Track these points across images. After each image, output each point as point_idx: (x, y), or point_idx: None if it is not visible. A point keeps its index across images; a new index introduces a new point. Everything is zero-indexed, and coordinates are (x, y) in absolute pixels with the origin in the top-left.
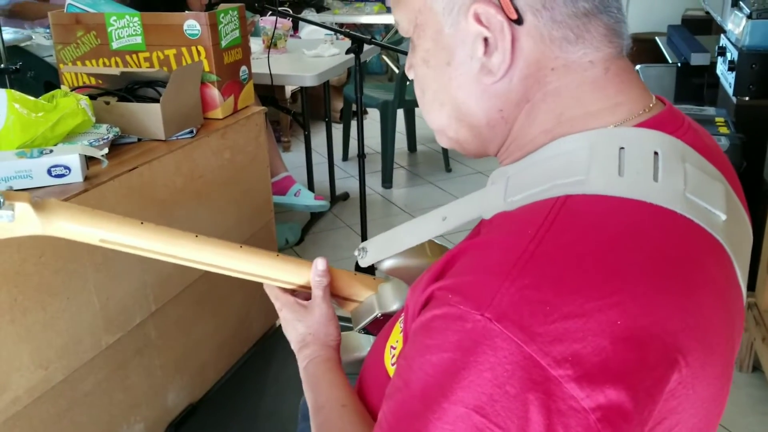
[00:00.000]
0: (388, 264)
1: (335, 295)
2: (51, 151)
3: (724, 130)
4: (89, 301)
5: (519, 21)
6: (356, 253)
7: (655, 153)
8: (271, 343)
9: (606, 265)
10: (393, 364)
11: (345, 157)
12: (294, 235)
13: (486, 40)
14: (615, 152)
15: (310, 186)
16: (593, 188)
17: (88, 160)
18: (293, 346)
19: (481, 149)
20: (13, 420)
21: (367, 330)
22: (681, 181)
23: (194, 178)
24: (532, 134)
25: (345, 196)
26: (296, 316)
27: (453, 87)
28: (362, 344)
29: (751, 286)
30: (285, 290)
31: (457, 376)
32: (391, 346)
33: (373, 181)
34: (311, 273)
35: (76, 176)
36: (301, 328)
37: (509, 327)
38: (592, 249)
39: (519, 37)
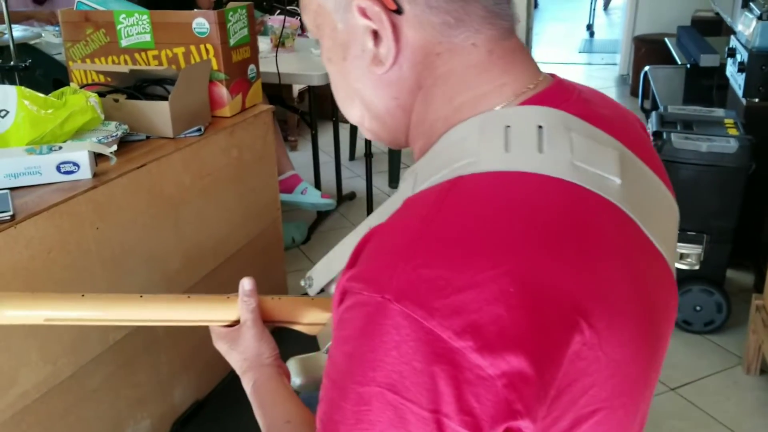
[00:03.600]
0: (332, 290)
1: (297, 323)
2: (60, 147)
3: (733, 131)
4: None
5: (399, 11)
6: (302, 283)
7: (540, 127)
8: (277, 340)
9: (494, 236)
10: None
11: (352, 157)
12: (301, 234)
13: (375, 32)
14: (501, 131)
15: (317, 185)
16: (482, 167)
17: (97, 157)
18: (237, 373)
19: (393, 139)
20: (21, 414)
21: None
22: (567, 150)
23: (202, 176)
24: (429, 120)
25: (352, 196)
26: (229, 345)
27: (353, 80)
28: None
29: (760, 288)
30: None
31: (365, 358)
32: None
33: (380, 181)
34: (239, 294)
35: (85, 173)
36: (236, 356)
37: (408, 305)
38: (479, 222)
39: (401, 26)
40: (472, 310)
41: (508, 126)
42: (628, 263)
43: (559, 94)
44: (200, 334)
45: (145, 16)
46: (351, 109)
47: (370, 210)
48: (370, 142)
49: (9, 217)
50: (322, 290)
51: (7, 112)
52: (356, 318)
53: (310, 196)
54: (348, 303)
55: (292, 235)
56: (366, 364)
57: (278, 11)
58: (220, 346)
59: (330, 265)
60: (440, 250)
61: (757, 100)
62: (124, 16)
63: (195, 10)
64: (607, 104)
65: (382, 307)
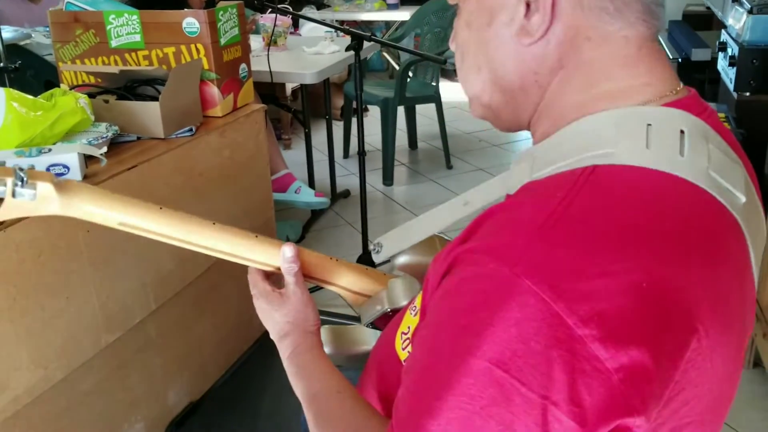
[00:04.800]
0: (402, 260)
1: (345, 288)
2: (50, 150)
3: (725, 125)
4: (89, 301)
5: None
6: (371, 248)
7: (681, 131)
8: (271, 342)
9: (633, 229)
10: (404, 349)
11: (346, 155)
12: (295, 233)
13: (528, 4)
14: (643, 128)
15: (311, 183)
16: (621, 159)
17: (87, 159)
18: (272, 336)
19: (513, 117)
20: (12, 419)
21: (373, 325)
22: (705, 159)
23: (194, 176)
24: (562, 105)
25: (346, 194)
26: (271, 305)
27: (491, 48)
28: (368, 338)
29: None
30: (264, 278)
31: (483, 331)
32: (402, 332)
33: (374, 179)
34: (280, 261)
35: (75, 175)
36: (278, 317)
37: (538, 283)
38: (620, 213)
39: (559, 0)
40: (601, 298)
41: (650, 124)
42: (741, 279)
43: (698, 105)
44: (194, 336)
45: (134, 17)
46: (474, 79)
47: (364, 207)
48: (363, 139)
49: None
50: (386, 261)
51: None
52: (477, 290)
53: (304, 195)
54: (465, 274)
55: (287, 233)
56: (480, 336)
57: (270, 9)
58: (260, 304)
59: (406, 235)
60: (577, 233)
61: (748, 94)
62: (113, 16)
63: (186, 9)
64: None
65: (509, 282)
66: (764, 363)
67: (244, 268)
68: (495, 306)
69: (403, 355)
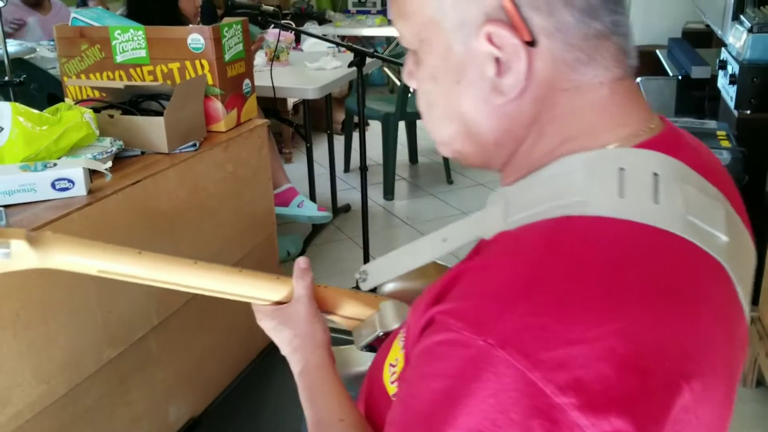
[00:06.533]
0: (389, 288)
1: (336, 314)
2: (55, 164)
3: (725, 143)
4: (91, 315)
5: (532, 43)
6: (357, 276)
7: (655, 174)
8: (273, 357)
9: (607, 291)
10: (392, 383)
11: (347, 169)
12: (296, 247)
13: (497, 60)
14: (615, 173)
15: (312, 198)
16: (594, 210)
17: (92, 174)
18: (283, 353)
19: (484, 164)
20: None
21: (369, 346)
22: (681, 203)
23: (197, 191)
24: (537, 154)
25: (347, 208)
26: (277, 321)
27: (462, 105)
28: (363, 359)
29: (755, 300)
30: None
31: (459, 402)
32: (390, 364)
33: (375, 193)
34: (294, 271)
35: (80, 190)
36: (286, 333)
37: (512, 353)
38: (592, 274)
39: (532, 59)
40: (578, 366)
41: (622, 168)
42: (725, 323)
43: (673, 141)
44: (195, 351)
45: (140, 32)
46: (444, 129)
47: (365, 222)
48: (365, 154)
49: None
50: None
51: (2, 129)
52: (451, 357)
53: (307, 209)
54: (441, 337)
55: (287, 248)
56: (457, 406)
57: (273, 25)
58: (266, 323)
59: (391, 266)
60: (550, 299)
61: (748, 111)
62: (119, 32)
63: (180, 18)
64: (705, 149)
65: (484, 352)
66: (767, 382)
67: None
68: (471, 376)
69: (391, 389)
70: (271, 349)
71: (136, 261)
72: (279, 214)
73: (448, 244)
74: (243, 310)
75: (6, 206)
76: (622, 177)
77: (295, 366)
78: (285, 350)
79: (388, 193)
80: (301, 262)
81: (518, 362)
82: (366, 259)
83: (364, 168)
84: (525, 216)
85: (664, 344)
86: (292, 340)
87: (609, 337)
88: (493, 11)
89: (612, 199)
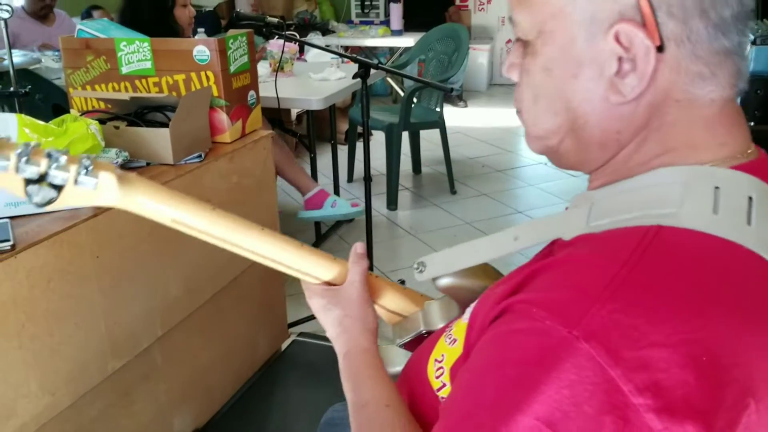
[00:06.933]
0: (444, 282)
1: (380, 305)
2: None
3: None
4: (96, 327)
5: (661, 48)
6: (414, 266)
7: (750, 198)
8: (277, 368)
9: (696, 300)
10: (437, 378)
11: (350, 179)
12: None
13: (620, 59)
14: (710, 190)
15: None
16: (686, 222)
17: None
18: (329, 334)
19: (577, 164)
20: None
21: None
22: None
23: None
24: (633, 161)
25: (350, 219)
26: (328, 301)
27: (575, 100)
28: (398, 358)
29: None
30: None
31: (533, 389)
32: (436, 359)
33: (378, 203)
34: (350, 255)
35: None
36: (336, 313)
37: (596, 348)
38: (683, 282)
39: (658, 64)
40: (659, 369)
41: (718, 187)
42: None
43: (767, 168)
44: (199, 363)
45: (146, 44)
46: (547, 122)
47: (369, 232)
48: (369, 164)
49: (9, 247)
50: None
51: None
52: (530, 345)
53: (341, 208)
54: (518, 325)
55: None
56: (531, 394)
57: (277, 36)
58: (316, 301)
59: (451, 261)
60: (641, 299)
61: (752, 123)
62: (125, 43)
63: (173, 28)
64: None
65: (566, 343)
66: None
67: (250, 296)
68: (549, 364)
69: (435, 383)
70: (275, 360)
71: (209, 217)
72: (315, 219)
73: (519, 242)
74: (247, 322)
75: (12, 218)
76: (717, 195)
77: (341, 347)
78: (331, 331)
79: (392, 203)
80: (358, 247)
81: (601, 357)
82: (370, 269)
83: (368, 178)
84: (611, 221)
85: (741, 359)
86: (342, 320)
87: (693, 344)
88: (628, 10)
89: (706, 215)
